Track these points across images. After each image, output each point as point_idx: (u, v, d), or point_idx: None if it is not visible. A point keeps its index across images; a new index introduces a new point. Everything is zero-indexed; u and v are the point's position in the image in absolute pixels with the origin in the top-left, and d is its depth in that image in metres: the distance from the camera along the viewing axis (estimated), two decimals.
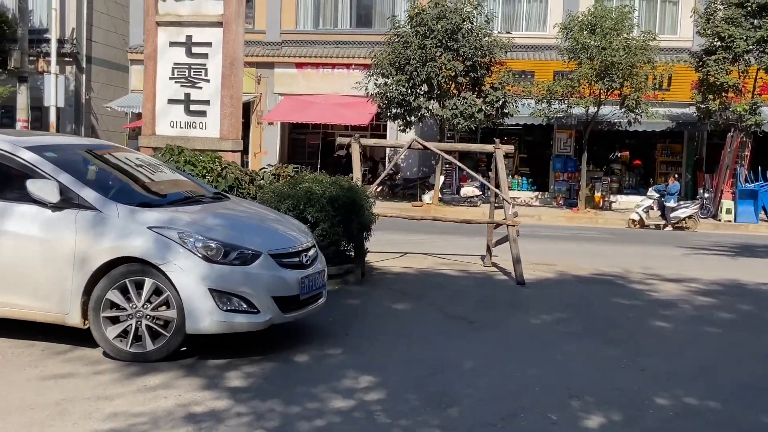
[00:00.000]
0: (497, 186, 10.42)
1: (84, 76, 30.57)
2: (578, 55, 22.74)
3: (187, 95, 9.16)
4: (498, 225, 10.52)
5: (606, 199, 26.34)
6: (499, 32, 25.17)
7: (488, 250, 11.16)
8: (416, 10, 23.29)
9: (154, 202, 5.73)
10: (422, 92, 23.26)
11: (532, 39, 27.24)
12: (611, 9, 23.24)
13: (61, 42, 30.08)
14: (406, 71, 22.81)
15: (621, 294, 9.30)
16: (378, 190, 27.90)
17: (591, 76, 22.45)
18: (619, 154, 28.79)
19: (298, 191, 8.21)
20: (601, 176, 27.06)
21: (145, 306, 5.17)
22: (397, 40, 23.37)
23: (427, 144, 10.39)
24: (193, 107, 9.17)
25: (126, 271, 5.17)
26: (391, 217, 10.53)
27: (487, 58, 23.49)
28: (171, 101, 9.18)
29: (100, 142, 6.83)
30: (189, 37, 9.10)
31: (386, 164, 28.88)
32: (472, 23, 23.36)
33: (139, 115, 27.78)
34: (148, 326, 5.18)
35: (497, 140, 10.41)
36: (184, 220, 5.44)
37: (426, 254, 12.07)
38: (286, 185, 8.45)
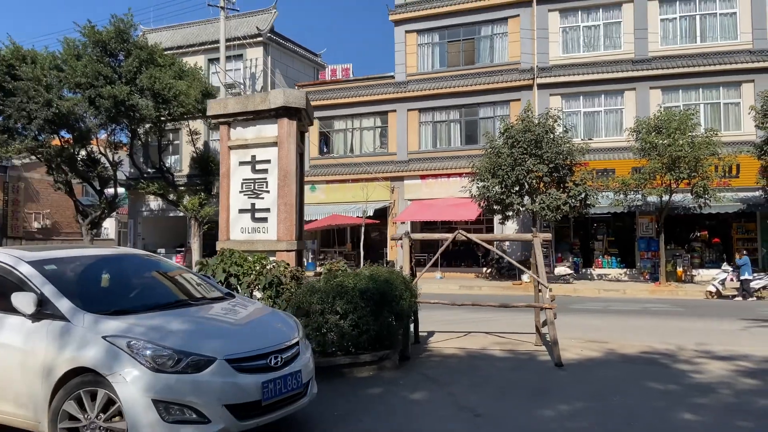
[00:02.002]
0: (536, 270, 8.66)
1: None
2: (648, 153, 20.42)
3: (253, 205, 8.34)
4: (541, 308, 8.70)
5: (688, 273, 23.13)
6: (582, 139, 23.39)
7: (537, 330, 9.28)
8: (505, 126, 22.08)
9: (130, 309, 4.59)
10: (514, 191, 21.62)
11: (611, 143, 24.91)
12: (676, 113, 20.83)
13: None
14: (498, 175, 21.45)
15: (660, 377, 7.11)
16: (487, 270, 26.21)
17: (661, 169, 19.96)
18: (698, 234, 25.23)
19: (330, 285, 7.00)
20: (683, 253, 23.78)
21: (98, 417, 4.03)
22: (491, 151, 22.16)
23: (469, 236, 8.91)
24: (257, 215, 8.32)
25: (80, 382, 4.07)
26: (434, 303, 8.98)
27: (568, 160, 21.59)
28: (241, 211, 8.40)
29: (132, 251, 5.85)
30: (253, 156, 8.36)
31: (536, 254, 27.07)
32: (553, 134, 21.66)
33: (306, 223, 28.17)
34: None
35: (534, 230, 8.76)
36: (144, 327, 4.26)
37: (487, 333, 10.29)
38: (321, 280, 7.30)
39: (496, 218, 24.68)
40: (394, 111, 28.75)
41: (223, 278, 6.94)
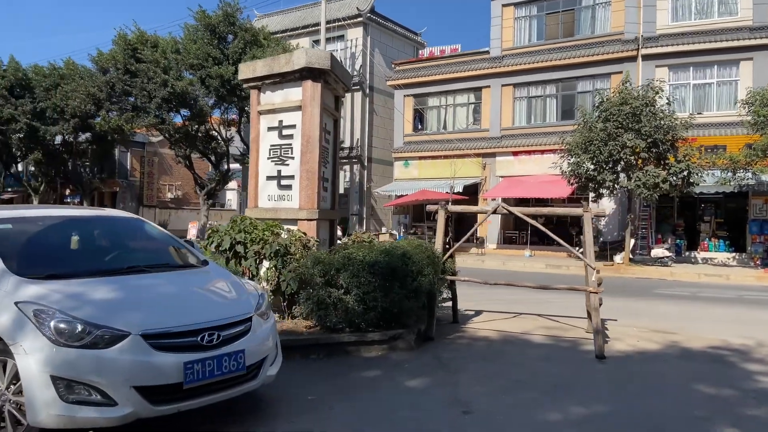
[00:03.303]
0: (585, 248, 7.31)
1: (366, 171, 31.13)
2: (761, 127, 17.51)
3: (279, 172, 7.63)
4: (590, 292, 7.33)
5: None
6: (690, 113, 20.61)
7: (589, 315, 7.91)
8: (600, 99, 19.89)
9: (67, 274, 4.00)
10: (607, 168, 19.46)
11: (722, 117, 21.79)
12: None
13: (350, 148, 31.13)
14: (590, 151, 19.41)
15: (717, 378, 5.66)
16: (580, 250, 24.12)
17: None
18: None
19: (335, 257, 6.18)
20: None
21: (8, 389, 3.53)
22: (584, 125, 20.10)
23: (512, 209, 7.67)
24: (283, 182, 7.61)
25: None
26: (465, 281, 7.86)
27: (670, 135, 19.04)
28: (269, 178, 7.72)
29: (114, 213, 5.36)
30: (280, 121, 7.63)
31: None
32: (653, 106, 19.17)
33: (398, 197, 27.47)
34: (10, 412, 3.54)
35: (585, 203, 7.39)
36: (64, 293, 3.67)
37: (540, 315, 9.04)
38: (328, 251, 6.49)
39: (591, 196, 22.56)
40: (488, 87, 27.10)
41: (228, 246, 6.38)
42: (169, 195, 41.59)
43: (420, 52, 34.13)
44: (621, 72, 23.04)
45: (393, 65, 30.35)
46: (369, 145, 31.33)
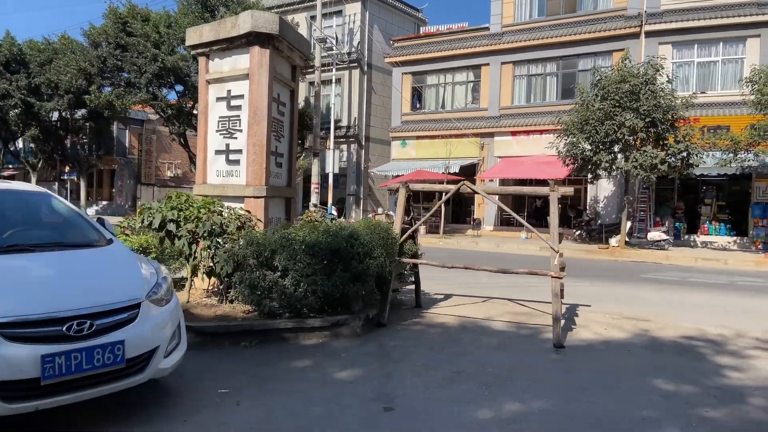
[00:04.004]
0: (550, 230, 6.81)
1: (363, 151, 30.59)
2: (765, 107, 16.76)
3: (227, 146, 7.15)
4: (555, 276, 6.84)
5: None
6: (693, 92, 19.84)
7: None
8: (598, 77, 19.15)
9: None
10: (604, 148, 18.79)
11: (727, 96, 20.98)
12: None
13: (348, 127, 30.58)
14: (586, 131, 18.75)
15: (681, 372, 5.17)
16: (576, 233, 23.57)
17: None
18: None
19: (273, 237, 5.74)
20: None
21: None
22: (581, 104, 19.40)
23: (475, 188, 7.17)
24: (231, 157, 7.12)
25: None
26: (421, 264, 7.41)
27: (670, 114, 18.32)
28: (217, 152, 7.25)
29: (16, 187, 4.92)
30: (229, 91, 7.12)
31: (586, 212, 24.37)
32: (654, 84, 18.42)
33: (394, 178, 26.93)
34: None
35: (552, 182, 6.89)
36: None
37: (510, 300, 8.61)
38: (264, 232, 6.03)
39: (589, 177, 21.94)
40: (488, 64, 26.36)
41: (157, 225, 5.95)
42: (169, 173, 41.20)
43: (422, 29, 33.33)
44: (623, 49, 22.25)
45: (391, 42, 29.60)
46: (367, 125, 30.74)
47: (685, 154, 18.20)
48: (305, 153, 27.73)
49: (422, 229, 25.98)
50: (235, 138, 7.06)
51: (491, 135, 26.05)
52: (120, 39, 24.24)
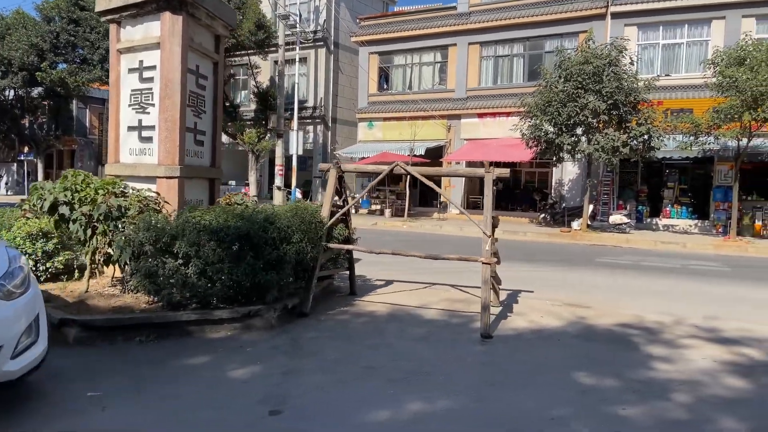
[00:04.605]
0: (484, 213, 6.43)
1: (330, 132, 29.97)
2: (726, 89, 16.59)
3: (140, 121, 6.60)
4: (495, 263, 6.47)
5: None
6: (658, 75, 19.65)
7: (494, 288, 7.10)
8: (561, 58, 18.80)
9: None
10: (567, 130, 18.52)
11: (691, 79, 20.81)
12: (761, 42, 16.68)
13: (314, 108, 29.89)
14: (548, 113, 18.44)
15: (608, 364, 4.83)
16: (541, 216, 23.39)
17: (739, 107, 16.16)
18: None
19: (176, 222, 5.26)
20: (764, 205, 19.84)
21: None
22: (545, 85, 19.06)
23: (409, 169, 6.78)
24: (144, 133, 6.58)
25: None
26: (348, 248, 6.98)
27: (632, 96, 18.10)
28: (130, 128, 6.68)
29: None
30: (141, 62, 6.55)
31: (551, 195, 24.21)
32: (617, 66, 18.14)
33: (360, 160, 26.40)
34: None
35: (487, 163, 6.51)
36: None
37: (453, 286, 8.26)
38: (165, 216, 5.54)
39: (553, 160, 21.70)
40: (455, 45, 25.86)
41: (47, 207, 5.43)
42: None
43: (390, 8, 32.63)
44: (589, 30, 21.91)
45: (358, 20, 28.89)
46: (333, 105, 30.09)
47: (646, 137, 18.03)
48: (269, 134, 27.03)
49: (387, 212, 25.62)
50: (148, 113, 6.51)
51: (458, 117, 25.66)
52: (72, 13, 23.20)
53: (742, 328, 6.38)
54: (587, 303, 7.49)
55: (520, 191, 27.89)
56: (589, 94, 17.68)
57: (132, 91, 6.65)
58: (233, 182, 33.13)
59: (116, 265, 5.61)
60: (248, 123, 27.79)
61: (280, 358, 4.77)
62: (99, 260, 5.48)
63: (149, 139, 6.53)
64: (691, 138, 17.75)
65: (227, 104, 28.38)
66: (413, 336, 5.65)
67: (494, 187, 6.39)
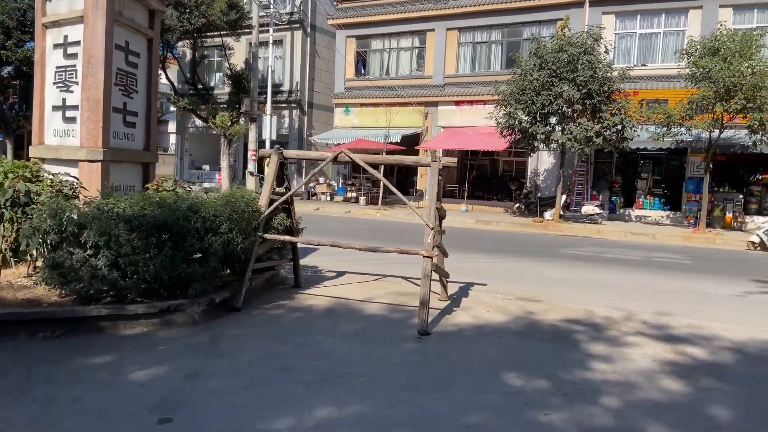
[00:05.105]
0: (429, 204, 6.12)
1: (306, 117, 29.46)
2: (699, 80, 16.41)
3: (64, 100, 6.20)
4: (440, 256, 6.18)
5: (738, 219, 19.34)
6: (628, 65, 19.44)
7: (441, 281, 6.84)
8: (537, 46, 18.49)
9: None
10: (540, 119, 18.27)
11: (666, 69, 20.62)
12: (735, 32, 16.52)
13: (290, 92, 29.34)
14: (522, 101, 18.17)
15: (542, 363, 4.56)
16: (516, 206, 23.21)
17: (712, 98, 16.00)
18: (760, 177, 20.88)
19: (79, 210, 4.90)
20: (736, 197, 19.82)
21: None
22: (520, 74, 18.75)
23: (353, 156, 6.47)
24: (67, 113, 6.18)
25: None
26: (281, 240, 6.62)
27: (606, 86, 17.88)
28: (54, 108, 6.28)
29: None
30: (66, 36, 6.14)
31: (527, 184, 24.03)
32: (592, 55, 17.88)
33: (335, 146, 25.93)
34: None
35: (431, 152, 6.22)
36: None
37: (406, 278, 7.99)
38: (71, 203, 5.16)
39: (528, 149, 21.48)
40: (433, 30, 25.41)
41: None
42: None
43: None
44: (567, 18, 21.62)
45: (335, 2, 28.29)
46: (310, 90, 29.52)
47: (620, 127, 17.85)
48: (243, 118, 26.46)
49: (362, 200, 25.28)
50: (72, 92, 6.11)
51: (435, 104, 25.29)
52: None
53: (692, 324, 6.18)
54: (539, 297, 7.25)
55: (497, 180, 27.72)
56: (563, 83, 17.44)
57: (57, 68, 6.23)
58: (207, 167, 32.61)
59: (15, 255, 5.24)
60: (222, 106, 27.19)
61: (191, 359, 4.45)
62: (5, 249, 5.12)
63: (73, 120, 6.13)
64: (664, 129, 17.58)
65: (200, 86, 27.78)
66: (345, 333, 5.36)
67: (440, 177, 6.07)
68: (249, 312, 5.82)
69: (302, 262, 8.79)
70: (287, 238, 6.30)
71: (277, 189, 6.60)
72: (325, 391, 3.97)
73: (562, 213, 19.72)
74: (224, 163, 26.32)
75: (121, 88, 6.24)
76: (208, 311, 5.44)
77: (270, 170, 6.49)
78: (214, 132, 27.93)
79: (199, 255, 5.12)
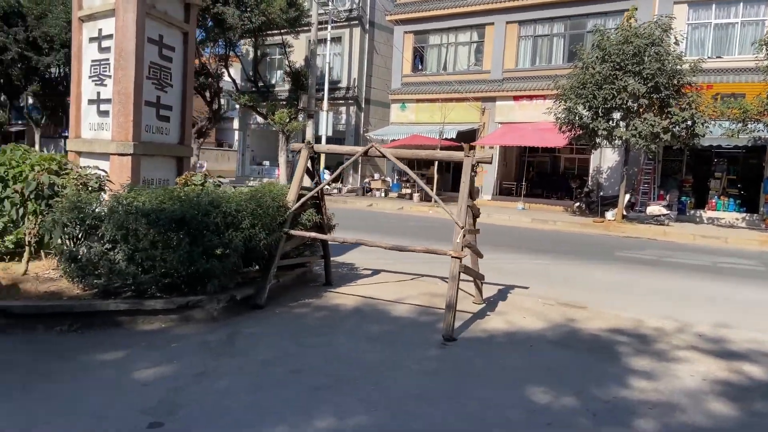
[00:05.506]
0: (459, 201, 5.76)
1: (363, 113, 29.43)
2: None
3: (98, 94, 6.22)
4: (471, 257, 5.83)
5: None
6: (701, 57, 18.19)
7: (476, 284, 6.47)
8: (599, 37, 17.56)
9: None
10: (601, 114, 17.37)
11: (744, 62, 19.16)
12: None
13: (347, 88, 29.38)
14: (582, 95, 17.32)
15: (576, 377, 4.17)
16: (576, 205, 22.23)
17: None
18: None
19: (100, 203, 4.87)
20: None
21: None
22: (581, 66, 17.89)
23: (383, 150, 6.18)
24: (102, 107, 6.19)
25: None
26: (309, 237, 6.40)
27: (676, 79, 16.77)
28: (90, 102, 6.31)
29: None
30: (100, 30, 6.15)
31: (588, 183, 23.00)
32: (661, 46, 16.81)
33: (391, 142, 25.72)
34: None
35: (466, 146, 5.86)
36: None
37: (443, 279, 7.65)
38: (93, 196, 5.13)
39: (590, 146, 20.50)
40: (492, 24, 24.75)
41: None
42: None
43: None
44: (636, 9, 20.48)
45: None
46: (367, 86, 29.45)
47: (690, 123, 16.72)
48: (300, 114, 26.72)
49: (415, 196, 24.96)
50: (105, 85, 6.14)
51: (493, 99, 24.64)
52: None
53: (755, 339, 5.57)
54: (584, 303, 6.76)
55: (558, 178, 26.76)
56: (627, 76, 16.49)
57: (92, 62, 6.30)
58: (267, 162, 33.17)
59: (39, 248, 5.29)
60: (281, 103, 27.56)
61: (202, 357, 4.33)
62: (30, 242, 5.19)
63: (107, 113, 6.17)
64: (739, 125, 16.33)
65: (260, 84, 28.26)
66: (367, 335, 5.12)
67: (473, 173, 5.71)
68: (272, 310, 5.68)
69: (340, 258, 8.69)
70: (312, 234, 6.11)
71: (330, 181, 6.42)
72: (332, 397, 3.74)
73: (625, 213, 18.72)
74: (282, 159, 26.69)
75: (155, 82, 6.24)
76: (229, 308, 5.33)
77: (299, 165, 6.32)
78: (273, 128, 28.37)
79: (219, 250, 5.01)
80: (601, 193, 22.06)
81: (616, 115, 17.57)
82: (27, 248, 5.33)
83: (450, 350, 4.83)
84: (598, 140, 18.33)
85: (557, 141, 20.73)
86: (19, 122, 40.39)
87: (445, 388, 4.01)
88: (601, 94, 16.81)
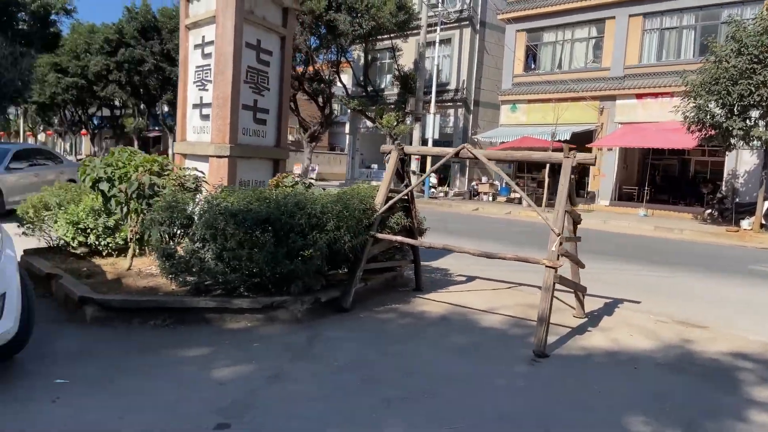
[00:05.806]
0: (556, 206, 5.32)
1: (471, 116, 28.95)
2: None
3: (201, 99, 6.45)
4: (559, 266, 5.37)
5: None
6: None
7: (577, 296, 5.96)
8: (734, 28, 15.86)
9: None
10: (737, 112, 15.67)
11: None
12: None
13: (456, 90, 29.06)
14: (714, 91, 15.72)
15: (684, 407, 3.68)
16: (707, 212, 20.22)
17: None
18: None
19: (207, 205, 4.99)
20: None
21: None
22: (713, 60, 16.26)
23: (476, 152, 5.86)
24: (204, 111, 6.42)
25: None
26: (395, 241, 6.15)
27: None
28: (194, 106, 6.57)
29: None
30: (203, 37, 6.38)
31: (722, 188, 20.92)
32: None
33: (499, 144, 25.01)
34: None
35: (566, 146, 5.39)
36: None
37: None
38: (188, 196, 5.26)
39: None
40: (613, 18, 23.35)
41: (89, 184, 5.50)
42: (290, 137, 42.59)
43: None
44: None
45: None
46: (477, 88, 28.95)
47: None
48: (408, 117, 26.81)
49: (524, 201, 24.06)
50: (207, 90, 6.41)
51: (612, 98, 23.21)
52: None
53: None
54: (705, 322, 6.04)
55: (686, 182, 24.66)
56: (767, 70, 14.74)
57: (196, 67, 6.61)
58: (375, 165, 33.67)
59: (139, 245, 5.58)
60: (390, 107, 27.84)
61: (280, 359, 4.32)
62: (132, 239, 5.50)
63: (207, 117, 6.43)
64: None
65: (369, 88, 28.71)
66: (452, 346, 4.87)
67: (572, 176, 5.27)
68: (356, 314, 5.60)
69: (435, 263, 8.49)
70: (398, 238, 5.96)
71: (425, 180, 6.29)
72: (404, 412, 3.56)
73: (763, 222, 16.77)
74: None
75: (252, 86, 6.43)
76: (313, 310, 5.32)
77: (389, 167, 6.21)
78: (381, 132, 28.73)
79: (303, 252, 5.01)
80: (737, 200, 19.99)
81: (754, 113, 15.80)
82: (131, 245, 5.69)
83: (541, 368, 4.46)
84: (732, 141, 16.60)
85: (685, 142, 19.06)
86: (156, 128, 44.30)
87: (529, 410, 3.68)
88: (736, 90, 15.18)
